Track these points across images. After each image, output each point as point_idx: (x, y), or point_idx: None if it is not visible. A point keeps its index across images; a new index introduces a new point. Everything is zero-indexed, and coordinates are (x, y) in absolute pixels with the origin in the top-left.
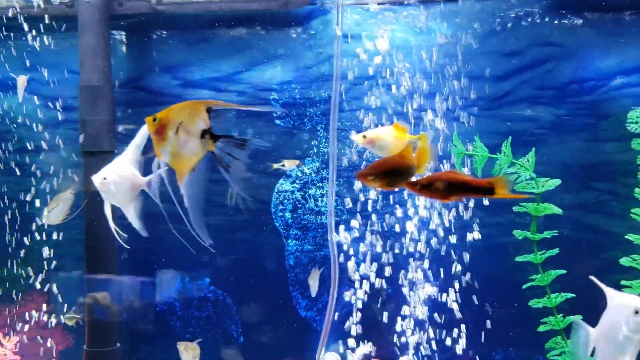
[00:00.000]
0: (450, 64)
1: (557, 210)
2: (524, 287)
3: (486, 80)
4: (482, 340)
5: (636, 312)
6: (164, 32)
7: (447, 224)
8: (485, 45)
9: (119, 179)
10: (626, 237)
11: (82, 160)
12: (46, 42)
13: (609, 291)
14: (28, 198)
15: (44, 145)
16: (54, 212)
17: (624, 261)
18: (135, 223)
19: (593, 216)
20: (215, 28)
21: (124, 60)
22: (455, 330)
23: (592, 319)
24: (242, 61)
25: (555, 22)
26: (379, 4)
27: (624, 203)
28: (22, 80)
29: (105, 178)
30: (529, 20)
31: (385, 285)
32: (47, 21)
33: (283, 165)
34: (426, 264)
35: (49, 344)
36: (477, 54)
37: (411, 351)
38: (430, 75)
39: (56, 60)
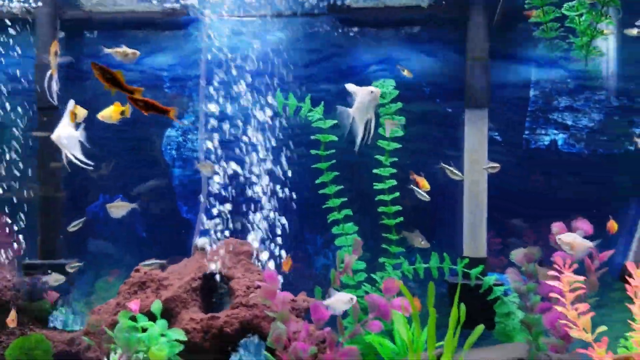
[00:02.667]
0: (279, 57)
1: (334, 138)
2: (320, 192)
3: (301, 67)
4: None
5: (371, 92)
6: (94, 31)
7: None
8: (300, 44)
9: (66, 134)
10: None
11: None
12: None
13: (355, 87)
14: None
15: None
16: None
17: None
18: (81, 158)
19: (364, 148)
20: (128, 28)
21: (64, 48)
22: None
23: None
24: (144, 50)
25: (339, 31)
26: (238, 16)
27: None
28: None
29: (58, 135)
30: (323, 30)
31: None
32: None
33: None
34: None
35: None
36: (296, 49)
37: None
38: (267, 63)
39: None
